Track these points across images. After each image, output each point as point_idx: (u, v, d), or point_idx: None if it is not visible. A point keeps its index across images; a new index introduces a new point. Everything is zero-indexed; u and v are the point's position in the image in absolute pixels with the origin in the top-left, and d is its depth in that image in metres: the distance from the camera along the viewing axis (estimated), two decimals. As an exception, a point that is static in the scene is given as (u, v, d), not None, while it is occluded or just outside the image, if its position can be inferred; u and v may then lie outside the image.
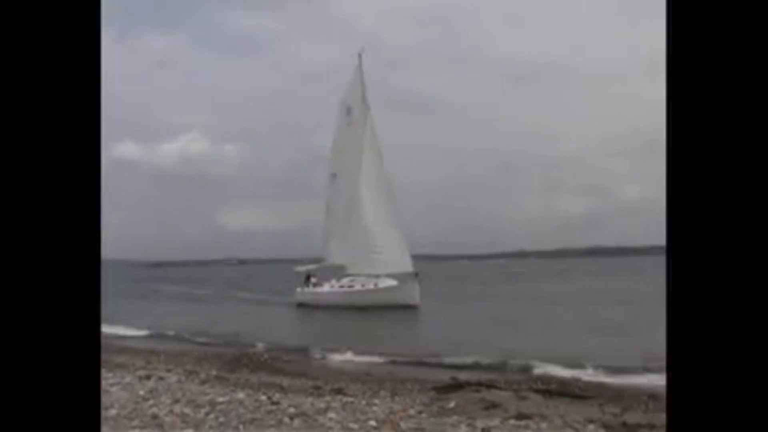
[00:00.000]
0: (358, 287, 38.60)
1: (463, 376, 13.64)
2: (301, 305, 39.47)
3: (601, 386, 12.81)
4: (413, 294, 35.60)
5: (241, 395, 10.15)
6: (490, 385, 11.72)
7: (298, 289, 41.34)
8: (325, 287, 40.18)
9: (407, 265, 37.89)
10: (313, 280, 41.27)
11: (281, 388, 11.54)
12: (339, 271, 40.45)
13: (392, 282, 37.40)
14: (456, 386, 11.75)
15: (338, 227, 41.19)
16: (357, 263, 38.85)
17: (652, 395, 11.87)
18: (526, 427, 8.19)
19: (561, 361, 16.00)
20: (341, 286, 39.58)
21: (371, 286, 37.96)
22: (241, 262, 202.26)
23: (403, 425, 8.11)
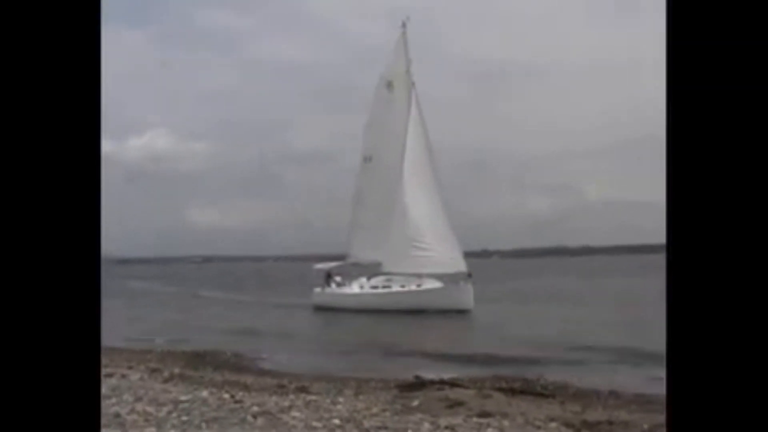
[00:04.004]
0: (396, 288, 32.92)
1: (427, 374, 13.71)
2: (319, 308, 34.34)
3: (563, 384, 12.96)
4: (465, 296, 30.66)
5: (204, 393, 10.09)
6: (453, 384, 11.79)
7: (317, 290, 36.11)
8: (354, 287, 34.69)
9: (459, 264, 32.43)
10: (337, 278, 36.07)
11: (245, 387, 11.50)
12: (364, 270, 35.11)
13: (436, 283, 32.38)
14: (419, 385, 11.80)
15: (372, 218, 35.39)
16: (398, 261, 32.62)
17: (612, 392, 12.09)
18: (489, 425, 8.26)
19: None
20: (374, 287, 33.83)
21: (413, 287, 32.45)
22: (206, 259, 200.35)
23: (366, 423, 8.13)
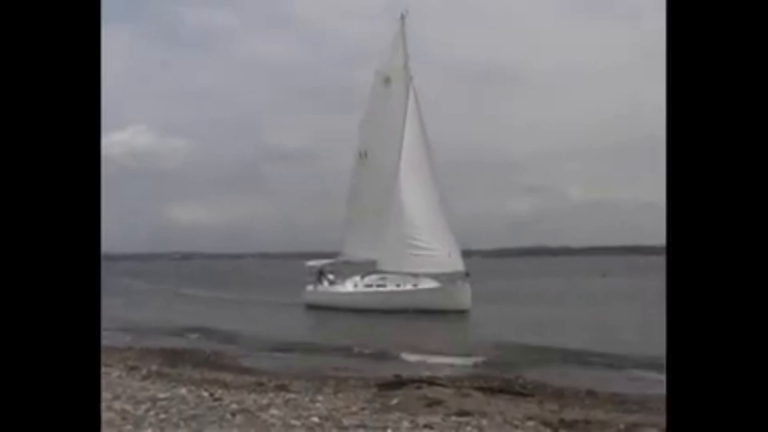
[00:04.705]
0: (392, 287, 32.14)
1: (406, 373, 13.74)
2: (311, 307, 33.42)
3: (541, 384, 13.05)
4: (463, 296, 30.05)
5: (182, 391, 10.06)
6: (432, 383, 11.83)
7: (309, 288, 35.24)
8: (348, 286, 33.86)
9: (457, 263, 31.73)
10: (330, 277, 35.11)
11: (224, 385, 11.46)
12: (358, 269, 34.21)
13: (432, 283, 31.81)
14: (399, 383, 11.82)
15: (367, 215, 34.49)
16: (393, 259, 31.82)
17: (589, 392, 12.19)
18: (467, 423, 8.30)
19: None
20: (368, 285, 33.01)
21: (409, 286, 31.75)
22: (185, 257, 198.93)
23: (345, 422, 8.14)
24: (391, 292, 31.73)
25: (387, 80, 35.78)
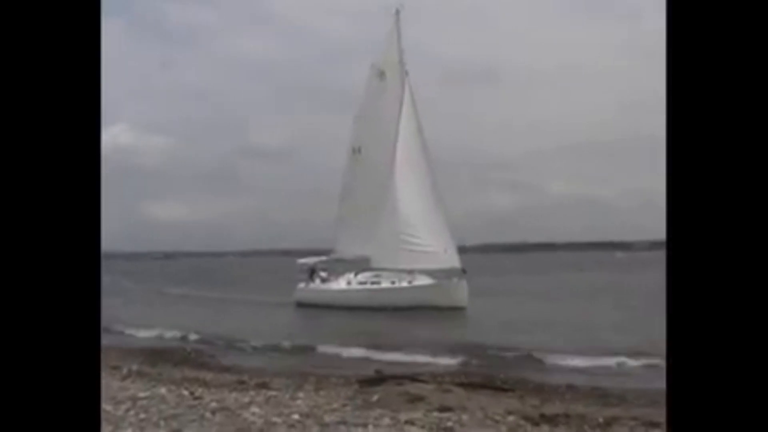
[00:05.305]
0: (386, 284, 31.56)
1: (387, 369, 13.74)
2: (302, 305, 32.53)
3: (522, 379, 13.11)
4: (459, 293, 29.55)
5: (162, 390, 10.00)
6: (413, 379, 11.84)
7: (300, 285, 34.27)
8: (341, 283, 33.20)
9: (453, 260, 31.23)
10: (322, 274, 34.39)
11: (204, 383, 11.40)
12: (351, 266, 33.59)
13: (428, 279, 31.29)
14: (380, 380, 11.83)
15: (360, 212, 33.84)
16: (388, 256, 31.29)
17: (570, 386, 12.27)
18: (449, 419, 8.32)
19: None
20: (362, 283, 32.34)
21: (404, 283, 31.20)
22: (168, 256, 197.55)
23: (326, 418, 8.13)
24: (387, 289, 31.17)
25: (382, 74, 35.21)
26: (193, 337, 21.83)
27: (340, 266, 34.60)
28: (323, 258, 35.74)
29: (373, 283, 32.03)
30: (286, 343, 19.89)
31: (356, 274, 32.99)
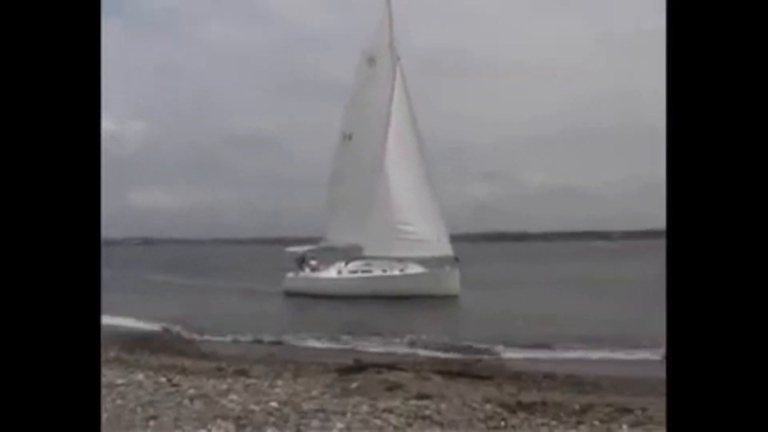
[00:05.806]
0: (377, 273, 31.41)
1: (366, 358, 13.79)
2: (291, 294, 32.00)
3: (500, 367, 13.21)
4: (451, 281, 29.59)
5: (140, 377, 9.94)
6: (392, 367, 11.88)
7: (290, 275, 33.82)
8: (331, 272, 32.84)
9: (445, 248, 31.28)
10: (312, 263, 34.01)
11: (182, 370, 11.37)
12: (342, 254, 33.28)
13: (419, 268, 31.16)
14: (359, 368, 11.85)
15: (351, 199, 33.44)
16: (380, 244, 30.93)
17: (547, 375, 12.39)
18: (427, 407, 8.35)
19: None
20: (352, 271, 32.09)
21: (396, 272, 31.13)
22: (146, 241, 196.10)
23: (304, 406, 8.13)
24: (378, 278, 30.90)
25: (371, 60, 35.07)
26: (175, 328, 21.58)
27: (330, 255, 34.21)
28: (313, 247, 35.32)
29: (364, 271, 31.73)
30: (269, 332, 19.83)
31: (347, 263, 32.58)
